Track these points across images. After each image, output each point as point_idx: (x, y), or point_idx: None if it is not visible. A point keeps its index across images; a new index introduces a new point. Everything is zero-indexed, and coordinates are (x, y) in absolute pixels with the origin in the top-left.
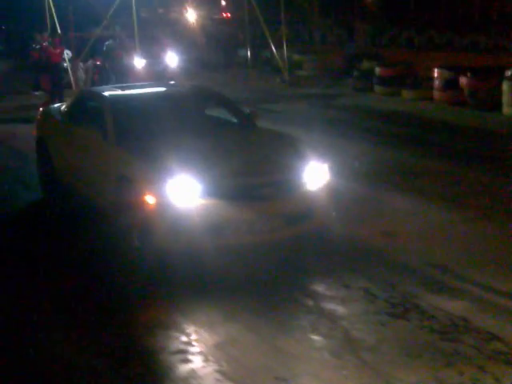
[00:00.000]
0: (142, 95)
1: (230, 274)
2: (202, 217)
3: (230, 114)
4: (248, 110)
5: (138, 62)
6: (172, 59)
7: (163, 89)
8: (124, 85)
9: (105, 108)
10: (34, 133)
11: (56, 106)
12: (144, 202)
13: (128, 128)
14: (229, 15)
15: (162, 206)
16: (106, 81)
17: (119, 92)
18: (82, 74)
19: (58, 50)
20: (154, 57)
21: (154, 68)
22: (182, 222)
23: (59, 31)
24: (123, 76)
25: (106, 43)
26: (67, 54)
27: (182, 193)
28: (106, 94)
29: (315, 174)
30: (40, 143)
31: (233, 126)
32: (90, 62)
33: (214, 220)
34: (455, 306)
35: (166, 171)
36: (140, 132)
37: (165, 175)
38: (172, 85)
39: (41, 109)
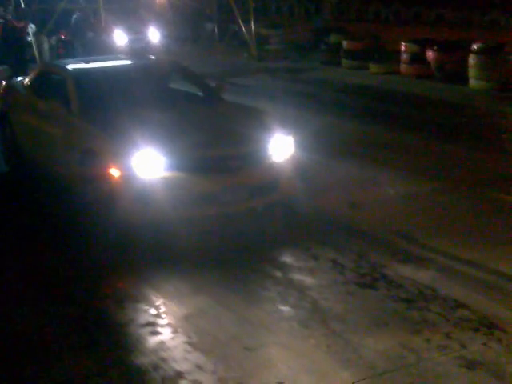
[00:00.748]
0: (106, 68)
1: (197, 246)
2: (167, 189)
3: (196, 87)
4: (214, 84)
5: (120, 39)
6: (154, 35)
7: (128, 62)
8: (88, 58)
9: (68, 81)
10: None
11: (19, 79)
12: (109, 175)
13: (92, 101)
14: None
15: (127, 178)
16: (71, 55)
17: (83, 65)
18: (46, 48)
19: (22, 24)
20: (136, 33)
21: (135, 44)
22: (147, 194)
23: (22, 4)
24: (91, 50)
25: (74, 17)
26: (31, 27)
27: (147, 166)
28: (70, 67)
29: (280, 146)
30: (3, 118)
31: (198, 100)
32: (54, 37)
33: (178, 192)
34: (422, 275)
35: (131, 144)
36: (104, 105)
37: (130, 148)
38: (137, 58)
39: (3, 82)
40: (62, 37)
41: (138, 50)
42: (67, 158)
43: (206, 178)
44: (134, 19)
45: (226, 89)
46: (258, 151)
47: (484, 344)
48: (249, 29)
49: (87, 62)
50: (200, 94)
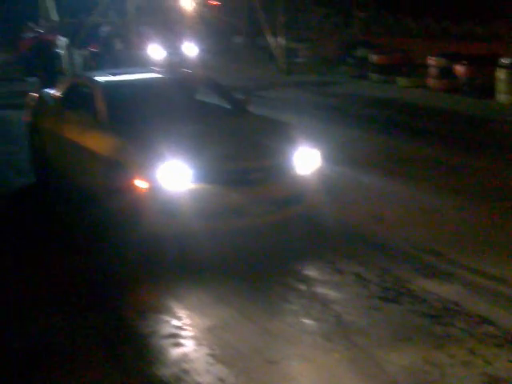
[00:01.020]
0: (134, 81)
1: (221, 257)
2: (193, 201)
3: (223, 99)
4: (241, 97)
5: (157, 53)
6: (191, 49)
7: (156, 75)
8: (117, 70)
9: (97, 93)
10: (26, 118)
11: (48, 91)
12: (135, 187)
13: (120, 113)
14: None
15: (153, 190)
16: (101, 67)
17: (111, 77)
18: (78, 61)
19: (53, 37)
20: (173, 47)
21: (173, 58)
22: (173, 206)
23: (54, 18)
24: (120, 63)
25: (103, 29)
26: (62, 40)
27: (173, 177)
28: (99, 79)
29: (306, 159)
30: (32, 128)
31: (224, 112)
32: (86, 49)
33: (204, 204)
34: (447, 290)
35: (157, 156)
36: (132, 117)
37: (156, 160)
38: (165, 71)
39: (33, 94)
40: (93, 49)
41: (175, 63)
42: (94, 170)
43: (231, 191)
44: (171, 33)
45: (251, 102)
46: (284, 164)
47: (509, 360)
48: (277, 42)
49: (116, 75)
50: (227, 106)
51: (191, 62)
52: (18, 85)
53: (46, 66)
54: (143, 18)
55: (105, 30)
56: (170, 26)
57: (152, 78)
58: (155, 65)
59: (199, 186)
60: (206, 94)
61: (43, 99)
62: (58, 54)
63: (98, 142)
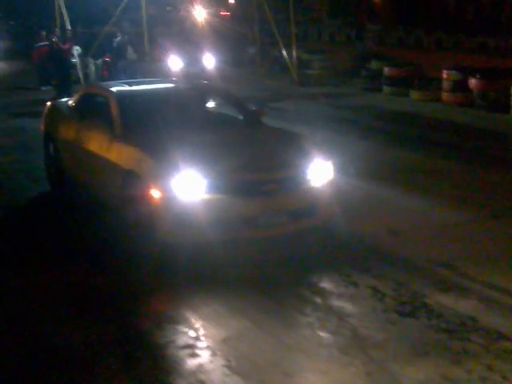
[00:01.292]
0: (148, 91)
1: (236, 268)
2: (207, 212)
3: (236, 111)
4: (254, 108)
5: (175, 64)
6: (209, 60)
7: (170, 85)
8: (131, 80)
9: (112, 103)
10: (41, 127)
11: (63, 100)
12: (150, 196)
13: (135, 123)
14: (227, 13)
15: (168, 200)
16: (114, 77)
17: (126, 87)
18: (92, 70)
19: (67, 46)
20: (191, 58)
21: (191, 69)
22: (188, 216)
23: (69, 27)
24: (133, 73)
25: (116, 40)
26: (76, 49)
27: (188, 188)
28: (114, 89)
29: (319, 171)
30: (47, 137)
31: (238, 123)
32: (100, 59)
33: (218, 215)
34: (463, 305)
35: (173, 166)
36: (147, 127)
37: (171, 170)
38: (179, 81)
39: (48, 103)
40: (107, 59)
41: (193, 74)
42: (109, 179)
43: (245, 201)
44: (189, 44)
45: (264, 113)
46: (297, 176)
47: None
48: (290, 53)
49: (131, 85)
50: (240, 117)
51: (210, 73)
52: (33, 93)
53: (61, 75)
54: (157, 28)
55: (118, 39)
56: (187, 36)
57: (166, 88)
58: (172, 75)
59: (213, 197)
60: (221, 105)
61: (58, 108)
62: (72, 63)
63: (112, 152)
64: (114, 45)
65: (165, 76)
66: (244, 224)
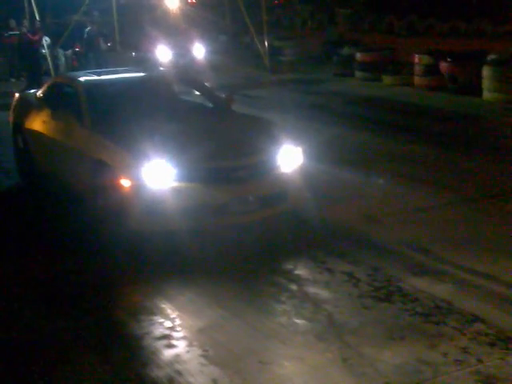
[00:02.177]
0: (116, 80)
1: (209, 257)
2: (178, 200)
3: (205, 98)
4: (224, 95)
5: (164, 54)
6: (199, 50)
7: (138, 74)
8: (99, 70)
9: (80, 93)
10: (10, 119)
11: (31, 91)
12: (120, 186)
13: (103, 113)
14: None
15: (138, 189)
16: (85, 68)
17: (94, 77)
18: (62, 61)
19: (37, 37)
20: (180, 48)
21: (180, 60)
22: (158, 205)
23: (38, 17)
24: (104, 63)
25: (86, 30)
26: (46, 40)
27: (158, 176)
28: (81, 79)
29: (288, 157)
30: (16, 129)
31: (207, 111)
32: (69, 50)
33: (189, 203)
34: (438, 289)
35: (141, 155)
36: (115, 117)
37: (140, 159)
38: (147, 69)
39: (16, 95)
40: (77, 49)
41: (182, 66)
42: (78, 169)
43: (215, 189)
44: (176, 34)
45: (234, 101)
46: (267, 162)
47: (501, 359)
48: (262, 41)
49: (99, 74)
50: (209, 105)
51: (199, 62)
52: (3, 85)
53: (31, 66)
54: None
55: (88, 29)
56: (170, 26)
57: (135, 77)
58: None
59: (183, 185)
60: (189, 93)
61: (26, 100)
62: (42, 54)
63: (82, 142)
64: (85, 35)
65: (138, 65)
66: (215, 211)
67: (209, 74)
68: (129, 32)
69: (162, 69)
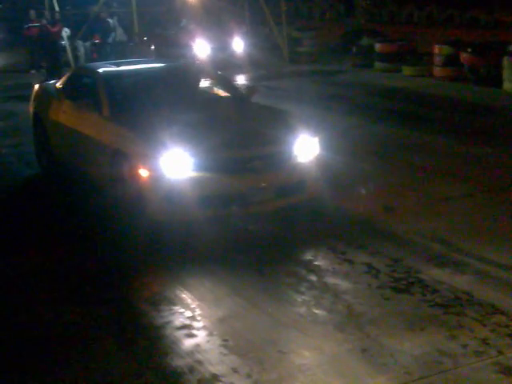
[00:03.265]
0: (135, 71)
1: (228, 246)
2: (195, 190)
3: (224, 89)
4: (247, 86)
5: (202, 49)
6: (238, 44)
7: (157, 65)
8: (119, 61)
9: (99, 84)
10: (30, 109)
11: (51, 82)
12: (138, 175)
13: (122, 103)
14: None
15: (156, 179)
16: (104, 59)
17: (113, 68)
18: (82, 52)
19: (56, 28)
20: (220, 42)
21: (219, 54)
22: (176, 194)
23: (57, 9)
24: (124, 54)
25: (106, 21)
26: (65, 31)
27: (175, 166)
28: (100, 70)
29: (306, 147)
30: (36, 120)
31: (226, 101)
32: (89, 41)
33: (206, 193)
34: (458, 280)
35: (160, 145)
36: (134, 107)
37: (159, 149)
38: (167, 60)
39: (36, 86)
40: (96, 41)
41: (221, 61)
42: (97, 159)
43: (232, 179)
44: (217, 28)
45: (258, 91)
46: (284, 152)
47: None
48: (281, 31)
49: (118, 65)
50: (228, 95)
51: (239, 57)
52: (23, 77)
53: (50, 58)
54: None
55: (108, 21)
56: (208, 19)
57: (153, 68)
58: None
59: (201, 175)
60: (208, 84)
61: (46, 90)
62: (62, 45)
63: (101, 132)
64: (105, 26)
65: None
66: (232, 201)
67: (248, 68)
68: (165, 26)
69: (182, 60)
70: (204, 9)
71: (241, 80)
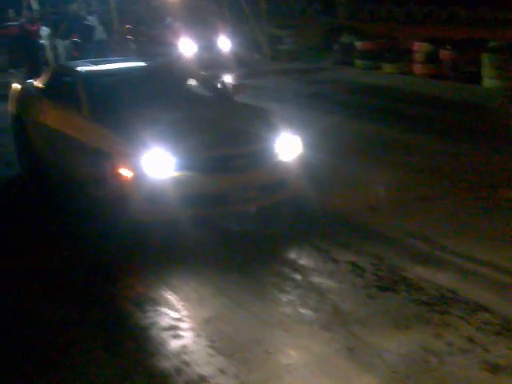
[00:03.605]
0: (116, 70)
1: (210, 246)
2: (177, 189)
3: (205, 87)
4: (233, 84)
5: (188, 48)
6: (225, 43)
7: (138, 63)
8: (99, 60)
9: (78, 83)
10: (9, 109)
11: (30, 81)
12: (120, 175)
13: (103, 102)
14: None
15: (138, 178)
16: (85, 57)
17: (93, 67)
18: (61, 51)
19: (35, 27)
20: (206, 41)
21: (205, 54)
22: (158, 194)
23: (36, 7)
24: (104, 53)
25: (86, 19)
26: (44, 30)
27: (157, 166)
28: (80, 68)
29: (288, 146)
30: (15, 119)
31: (207, 100)
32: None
33: (188, 192)
34: (442, 278)
35: (141, 144)
36: (115, 106)
37: (140, 149)
38: (147, 59)
39: (15, 85)
40: (76, 39)
41: (207, 60)
42: (79, 159)
43: (214, 178)
44: (202, 27)
45: (245, 89)
46: (266, 150)
47: (507, 347)
48: (261, 29)
49: (98, 64)
50: (209, 94)
51: (225, 56)
52: (2, 76)
53: (30, 56)
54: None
55: (87, 19)
56: (194, 18)
57: (134, 67)
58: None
59: (183, 174)
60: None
61: (25, 90)
62: (41, 44)
63: (82, 132)
64: (85, 24)
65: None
66: (214, 200)
67: (234, 67)
68: (150, 24)
69: (163, 59)
70: (185, 7)
71: (226, 78)
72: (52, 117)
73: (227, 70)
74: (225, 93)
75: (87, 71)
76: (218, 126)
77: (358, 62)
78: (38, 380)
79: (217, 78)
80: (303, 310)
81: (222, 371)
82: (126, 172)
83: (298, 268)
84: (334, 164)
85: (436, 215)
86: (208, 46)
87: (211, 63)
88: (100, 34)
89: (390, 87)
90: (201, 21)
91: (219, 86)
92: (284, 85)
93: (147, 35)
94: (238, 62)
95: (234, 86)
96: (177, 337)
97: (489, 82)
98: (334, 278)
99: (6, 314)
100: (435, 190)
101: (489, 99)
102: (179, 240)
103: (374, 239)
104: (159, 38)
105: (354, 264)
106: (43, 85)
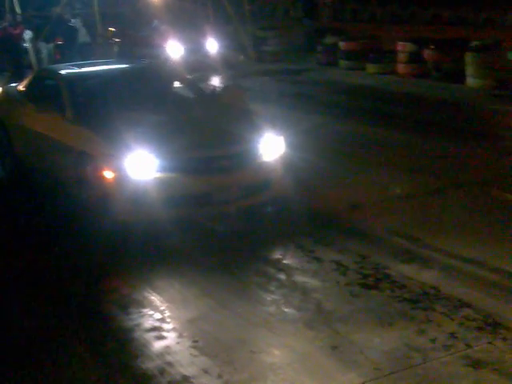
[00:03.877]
0: (98, 72)
1: (194, 247)
2: (161, 190)
3: (188, 89)
4: (232, 88)
5: (175, 50)
6: (212, 45)
7: (121, 66)
8: (82, 62)
9: (61, 86)
10: None
11: (13, 85)
12: (103, 177)
13: (85, 105)
14: None
15: (121, 180)
16: (68, 60)
17: (76, 70)
18: (45, 54)
19: (18, 30)
20: (193, 43)
21: (192, 56)
22: (141, 195)
23: (19, 11)
24: (87, 56)
25: (69, 22)
26: (27, 33)
27: (140, 167)
28: (63, 71)
29: (271, 146)
30: None
31: (190, 101)
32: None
33: (172, 193)
34: (425, 275)
35: (124, 146)
36: (97, 108)
37: (123, 151)
38: (130, 61)
39: None
40: (59, 42)
41: (194, 62)
42: (62, 162)
43: (198, 179)
44: (189, 29)
45: (243, 94)
46: (249, 151)
47: (489, 343)
48: (245, 30)
49: (81, 67)
50: (193, 95)
51: (213, 58)
52: None
53: (13, 60)
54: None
55: (71, 22)
56: (182, 20)
57: (116, 69)
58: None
59: (166, 175)
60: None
61: (8, 93)
62: (25, 48)
63: (65, 134)
64: (68, 27)
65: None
66: (198, 201)
67: (222, 69)
68: (137, 27)
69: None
70: (170, 9)
71: (213, 81)
72: (35, 120)
73: (214, 71)
74: (216, 97)
75: (70, 74)
76: (202, 128)
77: (342, 62)
78: (20, 378)
79: (204, 80)
80: (287, 309)
81: (205, 371)
82: (109, 174)
83: (282, 267)
84: (318, 164)
85: (419, 213)
86: (195, 48)
87: (198, 65)
88: (83, 36)
89: (374, 87)
90: (187, 23)
91: (211, 91)
92: (268, 86)
93: (134, 38)
94: (224, 64)
95: (224, 87)
96: (160, 338)
97: (472, 81)
98: (317, 276)
99: None
100: (419, 189)
101: (472, 98)
102: (163, 241)
103: (358, 238)
104: (146, 41)
105: (337, 263)
106: (26, 88)
